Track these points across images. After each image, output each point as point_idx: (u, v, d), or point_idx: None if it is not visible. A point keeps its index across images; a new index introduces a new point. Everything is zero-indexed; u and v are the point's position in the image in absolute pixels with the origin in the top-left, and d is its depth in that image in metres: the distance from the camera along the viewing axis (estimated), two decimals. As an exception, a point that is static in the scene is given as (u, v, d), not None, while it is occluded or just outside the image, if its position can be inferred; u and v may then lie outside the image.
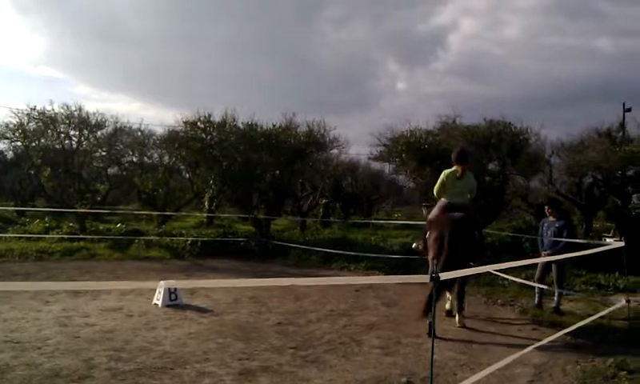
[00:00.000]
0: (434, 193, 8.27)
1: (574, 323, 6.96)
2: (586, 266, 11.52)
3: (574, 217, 17.85)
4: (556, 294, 8.88)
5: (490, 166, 15.78)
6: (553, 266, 8.90)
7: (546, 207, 9.60)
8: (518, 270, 10.87)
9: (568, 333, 6.75)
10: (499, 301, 9.77)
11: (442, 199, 8.02)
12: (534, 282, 9.31)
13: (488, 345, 6.81)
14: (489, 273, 10.71)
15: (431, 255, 7.73)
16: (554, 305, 8.88)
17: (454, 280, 7.45)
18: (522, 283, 10.32)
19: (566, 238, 8.77)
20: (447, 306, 8.38)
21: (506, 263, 5.84)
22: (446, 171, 8.02)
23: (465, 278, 7.63)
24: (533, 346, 5.86)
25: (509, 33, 79.75)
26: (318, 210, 25.30)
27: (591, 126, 17.60)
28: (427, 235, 8.04)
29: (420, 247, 8.60)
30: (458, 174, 7.85)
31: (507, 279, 10.76)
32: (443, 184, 7.96)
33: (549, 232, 9.08)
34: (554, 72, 74.72)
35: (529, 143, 15.44)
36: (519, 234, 13.16)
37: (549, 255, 8.63)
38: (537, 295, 9.13)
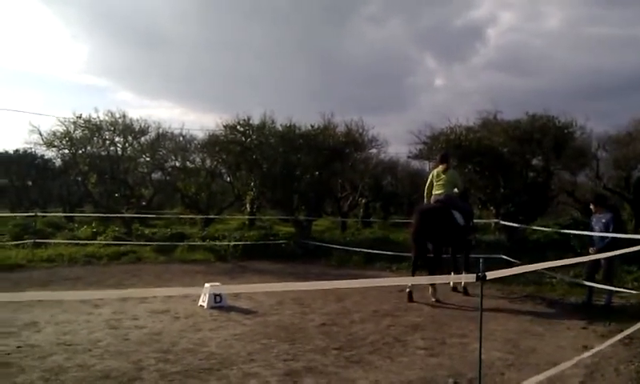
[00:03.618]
0: (424, 194, 10.43)
1: (626, 321, 6.73)
2: (638, 263, 11.14)
3: (623, 212, 17.32)
4: (606, 292, 8.63)
5: (534, 162, 15.46)
6: (602, 262, 8.66)
7: (591, 204, 9.37)
8: (567, 267, 10.64)
9: (621, 332, 6.53)
10: (547, 299, 9.56)
11: (434, 194, 10.10)
12: (583, 279, 9.08)
13: (536, 344, 6.66)
14: (535, 271, 10.50)
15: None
16: (604, 303, 8.63)
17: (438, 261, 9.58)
18: (570, 281, 10.09)
19: (613, 232, 8.51)
20: (451, 283, 10.15)
21: (551, 262, 5.66)
22: (434, 171, 10.37)
23: (438, 262, 9.59)
24: (592, 351, 5.66)
25: (549, 24, 77.58)
26: (358, 210, 25.23)
27: (638, 117, 17.00)
28: None
29: None
30: (442, 170, 10.03)
31: (555, 277, 10.53)
32: (432, 181, 10.15)
33: (596, 228, 8.85)
34: (597, 62, 72.42)
35: (574, 137, 15.06)
36: (566, 231, 12.83)
37: (596, 252, 8.40)
38: (586, 293, 8.90)
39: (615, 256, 8.41)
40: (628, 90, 60.53)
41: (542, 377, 4.87)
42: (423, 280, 8.73)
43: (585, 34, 72.80)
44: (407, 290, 9.35)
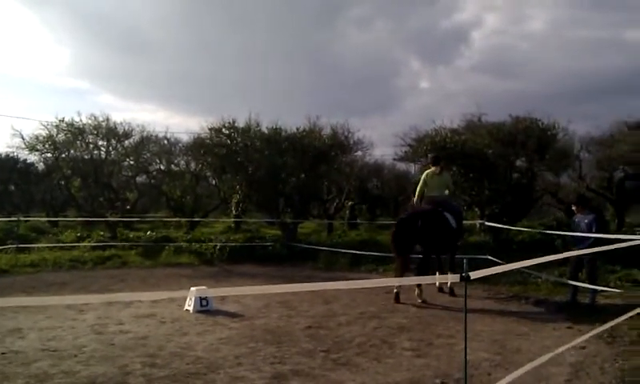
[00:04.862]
0: (415, 193, 10.43)
1: (610, 320, 6.79)
2: (621, 262, 11.27)
3: (606, 212, 17.54)
4: (590, 291, 8.72)
5: (518, 163, 15.60)
6: (584, 262, 8.75)
7: (573, 206, 9.47)
8: (551, 267, 10.74)
9: (605, 330, 6.61)
10: (532, 299, 9.63)
11: (427, 195, 10.17)
12: (567, 278, 9.17)
13: (522, 344, 6.71)
14: (520, 271, 10.59)
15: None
16: (588, 302, 8.72)
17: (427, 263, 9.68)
18: (555, 281, 10.19)
19: (595, 233, 8.61)
20: (437, 283, 10.25)
21: (533, 260, 5.63)
22: (427, 171, 10.39)
23: (427, 264, 9.67)
24: (569, 345, 5.73)
25: (533, 27, 78.26)
26: (344, 213, 25.24)
27: (620, 119, 17.25)
28: None
29: None
30: (437, 172, 10.13)
31: (540, 277, 10.63)
32: (425, 182, 10.17)
33: (579, 228, 8.94)
34: (581, 65, 73.22)
35: (557, 139, 15.24)
36: (550, 232, 12.95)
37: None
38: (570, 292, 8.98)
39: (598, 256, 8.50)
40: (611, 93, 61.38)
41: (521, 371, 4.90)
42: (409, 281, 8.75)
43: (568, 36, 73.57)
44: (394, 290, 9.37)
